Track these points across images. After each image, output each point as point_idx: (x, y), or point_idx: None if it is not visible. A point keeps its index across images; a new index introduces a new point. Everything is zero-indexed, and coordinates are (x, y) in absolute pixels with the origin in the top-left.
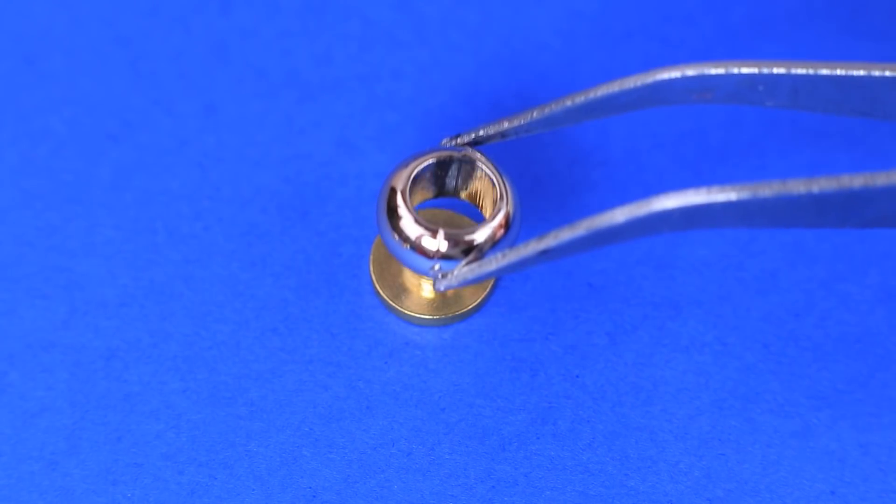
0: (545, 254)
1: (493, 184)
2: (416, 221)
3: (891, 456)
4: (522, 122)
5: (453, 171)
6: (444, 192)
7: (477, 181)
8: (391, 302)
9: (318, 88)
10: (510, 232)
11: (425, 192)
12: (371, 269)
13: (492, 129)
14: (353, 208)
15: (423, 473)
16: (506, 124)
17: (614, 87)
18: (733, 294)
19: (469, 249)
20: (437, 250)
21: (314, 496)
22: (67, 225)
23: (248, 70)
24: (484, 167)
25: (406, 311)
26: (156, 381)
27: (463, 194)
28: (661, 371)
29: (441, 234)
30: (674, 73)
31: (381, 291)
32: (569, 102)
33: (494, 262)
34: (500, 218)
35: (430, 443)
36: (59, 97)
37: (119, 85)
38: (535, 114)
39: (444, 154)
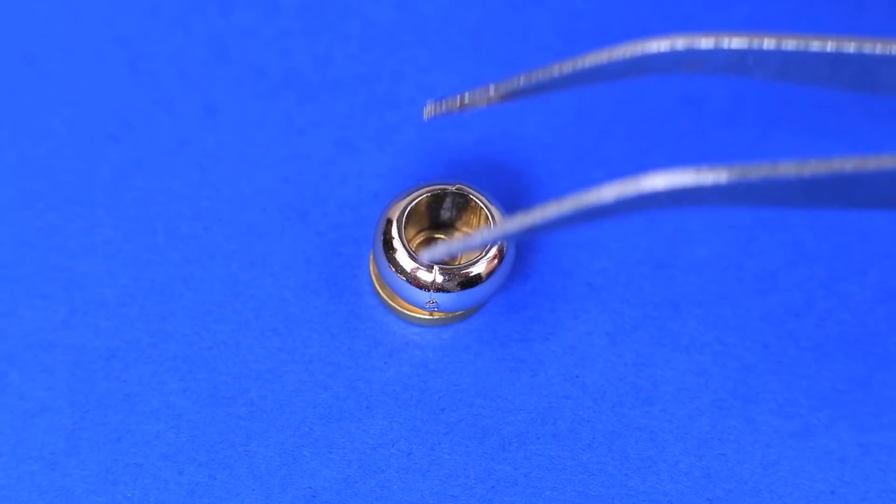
0: (531, 230)
1: (487, 215)
2: (411, 255)
3: (891, 456)
4: (508, 88)
5: (447, 203)
6: (440, 223)
7: (471, 213)
8: (391, 302)
9: (318, 88)
10: (505, 262)
11: (421, 225)
12: (371, 269)
13: (477, 96)
14: (353, 208)
15: (423, 473)
16: (491, 91)
17: (603, 56)
18: (733, 294)
19: (464, 282)
20: (433, 282)
21: (314, 496)
22: (67, 225)
23: (248, 70)
24: (477, 199)
25: (406, 311)
26: (156, 381)
27: (458, 225)
28: (661, 371)
29: (436, 267)
30: (663, 45)
31: (380, 291)
32: (556, 70)
33: (479, 238)
34: (494, 249)
35: (429, 443)
36: (59, 97)
37: (119, 85)
38: (521, 80)
39: (438, 188)
